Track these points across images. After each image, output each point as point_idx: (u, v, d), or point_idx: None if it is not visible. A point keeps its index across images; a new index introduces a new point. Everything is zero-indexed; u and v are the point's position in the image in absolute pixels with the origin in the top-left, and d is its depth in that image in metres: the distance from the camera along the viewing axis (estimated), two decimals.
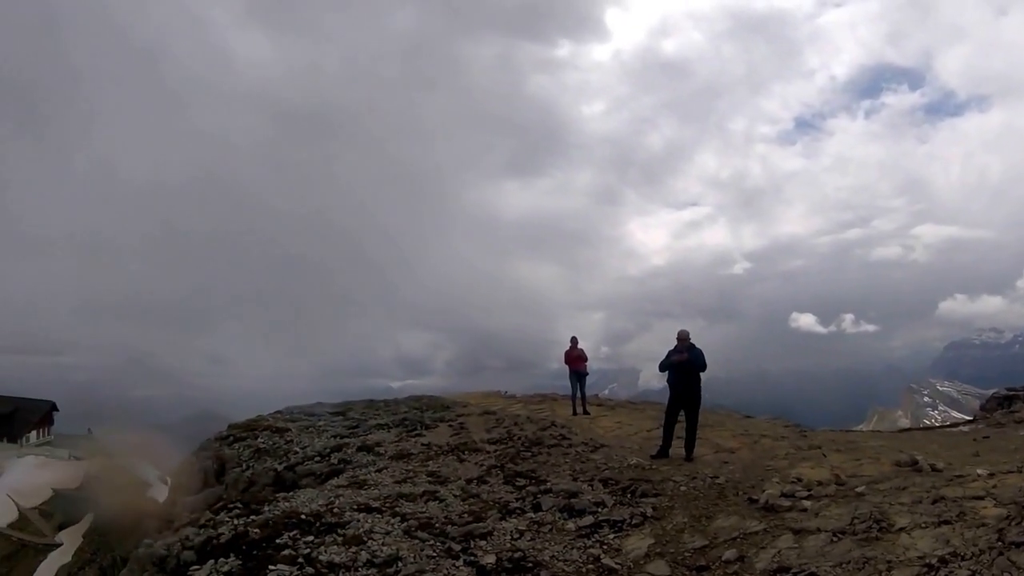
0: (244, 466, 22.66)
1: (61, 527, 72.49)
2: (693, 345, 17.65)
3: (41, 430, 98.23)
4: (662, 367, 17.98)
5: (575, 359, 27.07)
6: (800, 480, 14.34)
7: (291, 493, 17.65)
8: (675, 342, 17.83)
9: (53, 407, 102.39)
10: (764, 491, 13.60)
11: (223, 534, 15.05)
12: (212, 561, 13.66)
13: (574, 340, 27.51)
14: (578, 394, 27.10)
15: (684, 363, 17.49)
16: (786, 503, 12.84)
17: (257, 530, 14.64)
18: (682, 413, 17.82)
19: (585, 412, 26.56)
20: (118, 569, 41.32)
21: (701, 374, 17.72)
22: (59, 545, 67.86)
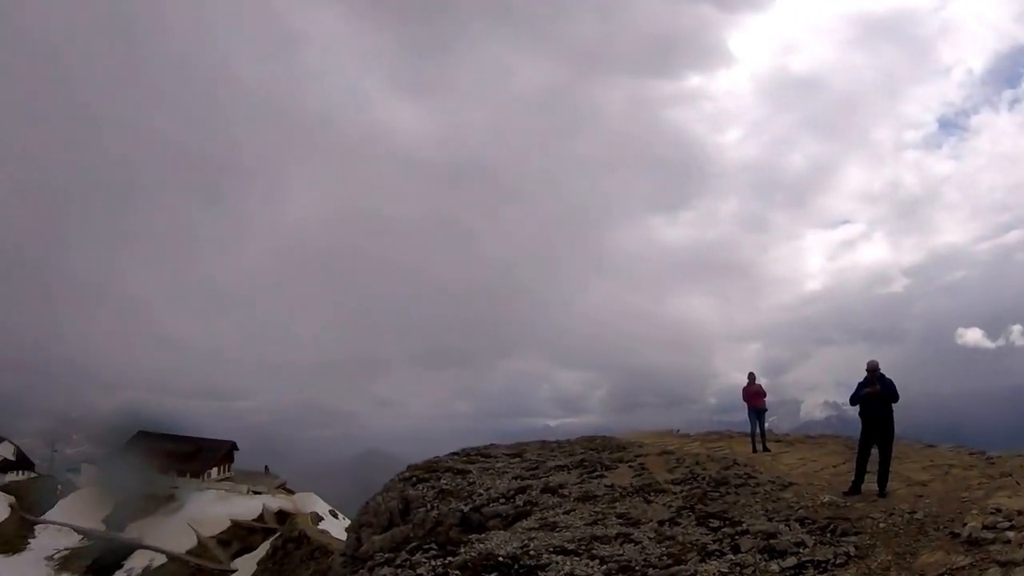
0: (429, 506, 23.25)
1: (237, 554, 76.34)
2: (883, 375, 17.18)
3: (222, 467, 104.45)
4: (853, 400, 17.55)
5: (753, 395, 26.52)
6: (1000, 511, 13.71)
7: (483, 535, 18.09)
8: (863, 373, 17.35)
9: (233, 446, 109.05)
10: (965, 524, 13.09)
11: (423, 575, 15.62)
12: None
13: (752, 376, 27.03)
14: (757, 431, 26.49)
15: (876, 395, 17.04)
16: (989, 535, 12.31)
17: (457, 572, 15.12)
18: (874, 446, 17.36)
19: (765, 449, 25.84)
20: None
21: (893, 405, 17.26)
22: (233, 572, 71.45)
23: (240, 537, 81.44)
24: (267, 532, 79.38)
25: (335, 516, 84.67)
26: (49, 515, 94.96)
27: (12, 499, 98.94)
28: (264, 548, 73.60)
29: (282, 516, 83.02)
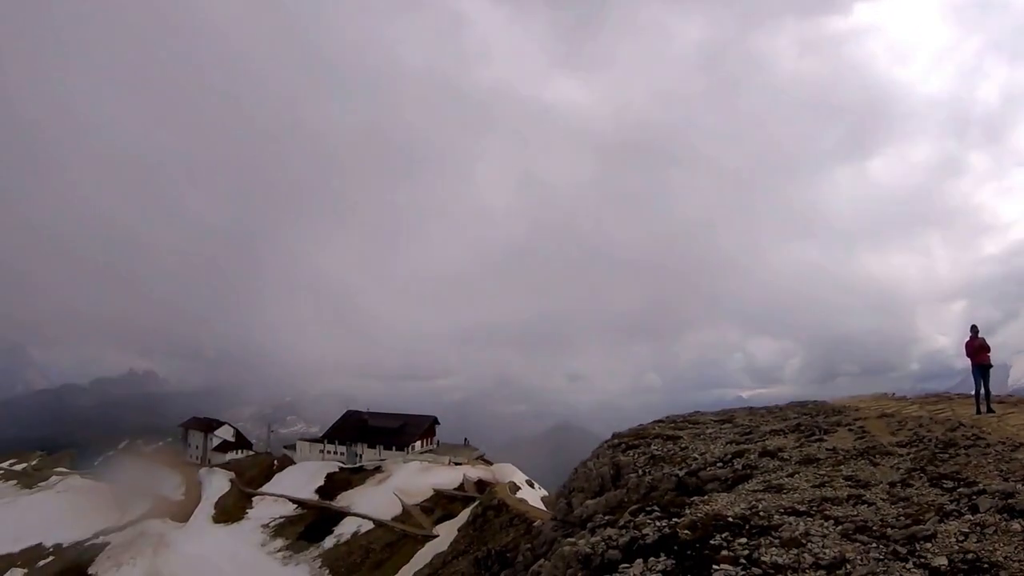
0: (641, 472, 23.69)
1: (439, 521, 79.77)
2: None
3: (425, 440, 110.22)
4: None
5: (978, 350, 24.90)
6: None
7: (705, 497, 18.38)
8: None
9: (435, 421, 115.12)
10: None
11: (648, 535, 16.00)
12: (641, 560, 14.48)
13: (975, 329, 25.26)
14: (982, 390, 24.84)
15: None
16: None
17: (687, 531, 15.45)
18: None
19: (990, 410, 24.35)
20: (491, 561, 44.24)
21: None
22: (435, 537, 74.71)
23: (442, 505, 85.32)
24: (467, 500, 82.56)
25: (531, 486, 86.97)
26: (266, 488, 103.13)
27: (232, 475, 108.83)
28: (464, 515, 76.20)
29: (481, 485, 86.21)
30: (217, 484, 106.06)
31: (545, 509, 65.09)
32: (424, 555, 71.28)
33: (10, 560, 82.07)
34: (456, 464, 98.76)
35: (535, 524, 50.18)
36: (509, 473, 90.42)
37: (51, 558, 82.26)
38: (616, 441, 28.15)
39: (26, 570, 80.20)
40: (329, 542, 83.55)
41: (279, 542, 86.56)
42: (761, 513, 15.50)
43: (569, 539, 20.47)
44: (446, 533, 74.50)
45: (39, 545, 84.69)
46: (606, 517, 20.49)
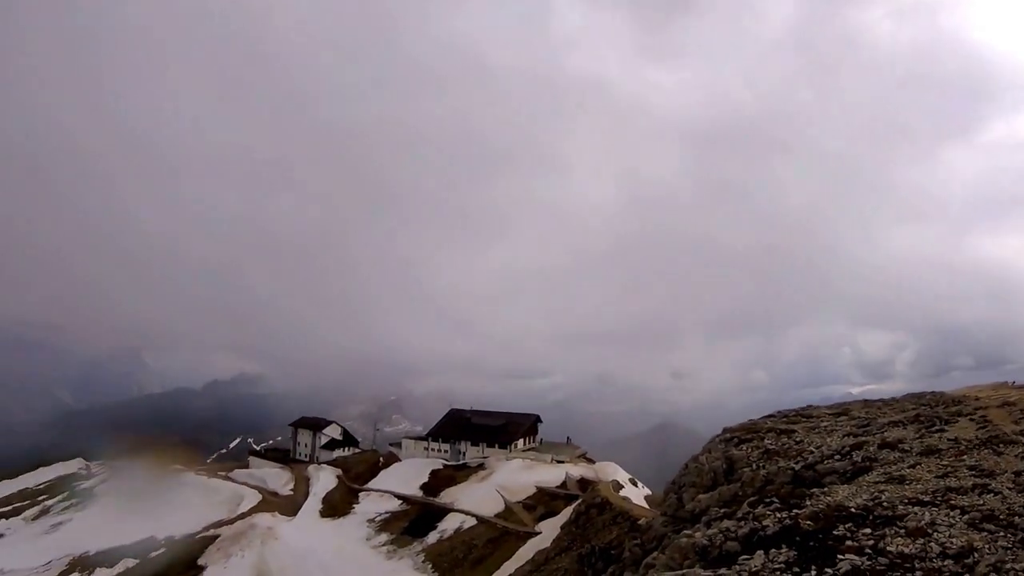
0: (755, 466, 23.76)
1: (542, 518, 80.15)
2: None
3: (527, 438, 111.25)
4: None
5: None
6: None
7: (825, 489, 18.44)
8: None
9: (537, 419, 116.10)
10: None
11: (768, 527, 16.19)
12: (762, 552, 14.69)
13: None
14: None
15: None
16: None
17: (808, 522, 15.60)
18: None
19: None
20: (595, 558, 44.32)
21: None
22: (538, 534, 74.94)
23: (544, 502, 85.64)
24: (569, 498, 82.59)
25: (634, 484, 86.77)
26: (371, 484, 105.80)
27: (339, 471, 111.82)
28: (567, 513, 76.22)
29: (584, 483, 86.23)
30: (325, 480, 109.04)
31: (648, 508, 64.87)
32: (526, 552, 71.64)
33: (123, 551, 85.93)
34: (558, 462, 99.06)
35: (639, 522, 50.21)
36: (612, 471, 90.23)
37: (162, 550, 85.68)
38: (728, 436, 28.17)
39: (138, 560, 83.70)
40: (432, 537, 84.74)
41: (384, 536, 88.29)
42: (884, 504, 15.58)
43: (685, 532, 20.70)
44: (548, 530, 74.64)
45: (151, 538, 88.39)
46: (721, 510, 20.63)
